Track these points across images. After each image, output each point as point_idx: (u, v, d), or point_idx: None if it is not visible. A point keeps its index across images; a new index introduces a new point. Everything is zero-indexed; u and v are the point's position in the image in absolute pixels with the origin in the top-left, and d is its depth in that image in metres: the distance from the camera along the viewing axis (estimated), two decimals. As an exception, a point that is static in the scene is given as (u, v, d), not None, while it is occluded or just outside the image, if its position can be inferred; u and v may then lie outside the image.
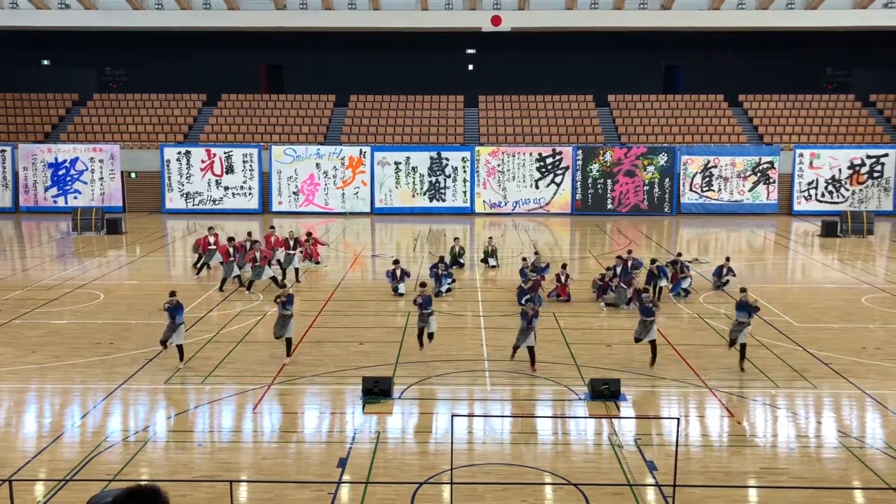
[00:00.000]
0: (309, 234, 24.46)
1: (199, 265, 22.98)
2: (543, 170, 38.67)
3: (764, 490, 10.04)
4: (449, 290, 20.53)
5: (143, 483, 3.72)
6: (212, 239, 22.92)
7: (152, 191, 38.94)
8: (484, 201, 38.75)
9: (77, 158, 38.77)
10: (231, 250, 21.36)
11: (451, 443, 9.94)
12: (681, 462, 9.88)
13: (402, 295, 20.12)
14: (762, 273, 23.70)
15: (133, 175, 39.20)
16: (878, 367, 14.70)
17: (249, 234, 23.62)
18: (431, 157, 38.58)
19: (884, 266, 25.42)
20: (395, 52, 43.64)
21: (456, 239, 25.27)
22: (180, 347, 14.49)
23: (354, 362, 14.81)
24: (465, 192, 38.65)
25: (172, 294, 14.79)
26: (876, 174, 38.42)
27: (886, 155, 38.37)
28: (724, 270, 21.33)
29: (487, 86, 44.05)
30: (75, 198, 38.62)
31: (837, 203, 38.26)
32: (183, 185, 38.64)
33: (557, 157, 38.65)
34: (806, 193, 38.78)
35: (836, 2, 38.56)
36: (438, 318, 18.26)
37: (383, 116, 42.38)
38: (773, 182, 38.56)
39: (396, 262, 21.22)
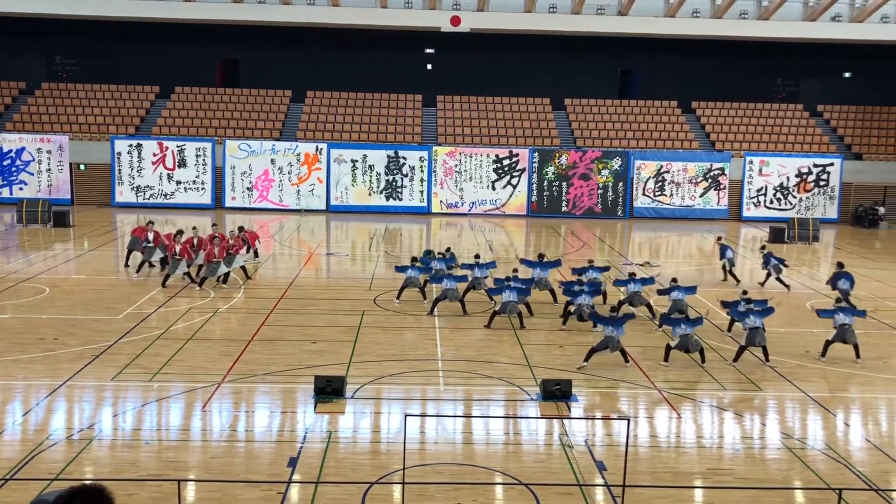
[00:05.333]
0: (240, 228, 24.13)
1: (140, 263, 22.35)
2: (500, 171, 38.87)
3: (710, 490, 10.23)
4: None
5: (87, 482, 3.64)
6: (150, 235, 22.31)
7: (102, 183, 38.13)
8: (441, 201, 38.78)
9: (24, 149, 37.75)
10: (177, 248, 20.96)
11: (404, 442, 9.93)
12: (630, 462, 10.02)
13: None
14: (711, 277, 24.15)
15: (82, 167, 38.32)
16: (821, 371, 15.10)
17: (194, 228, 23.29)
18: (389, 156, 38.49)
19: (828, 272, 26.06)
20: (354, 49, 43.43)
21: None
22: None
23: (307, 361, 14.70)
24: (422, 192, 38.64)
25: None
26: (822, 182, 39.49)
27: (832, 164, 39.47)
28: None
29: (446, 86, 44.10)
30: (21, 189, 37.60)
31: (785, 210, 39.24)
32: (134, 179, 37.91)
33: (514, 159, 38.88)
34: (755, 200, 39.68)
35: (787, 13, 39.50)
36: (395, 316, 18.24)
37: (340, 114, 42.14)
38: (724, 188, 39.36)
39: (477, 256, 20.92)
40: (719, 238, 25.17)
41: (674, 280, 18.42)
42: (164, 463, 10.44)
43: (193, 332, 16.42)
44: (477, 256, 20.89)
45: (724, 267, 23.38)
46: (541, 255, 20.79)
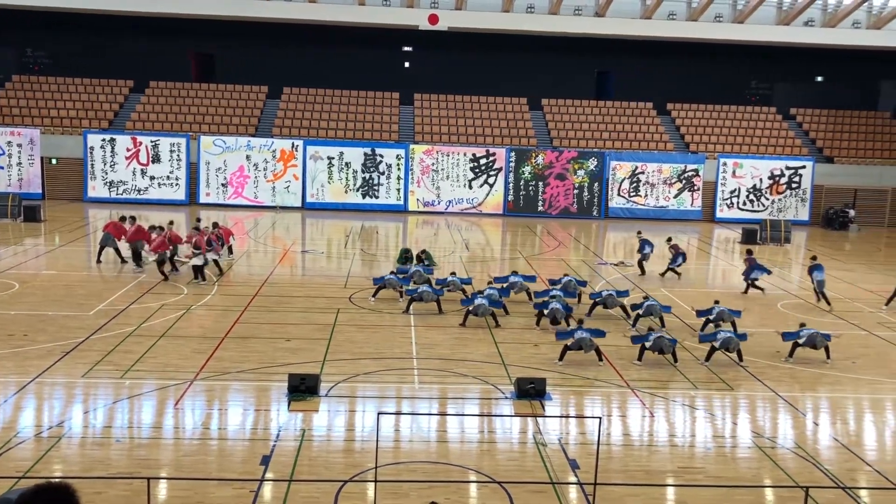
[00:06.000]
0: (214, 224, 24.13)
1: (134, 258, 22.35)
2: (477, 170, 38.90)
3: (681, 488, 10.33)
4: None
5: (53, 480, 3.59)
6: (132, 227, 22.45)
7: (74, 178, 37.63)
8: (417, 199, 38.74)
9: (-7, 142, 37.14)
10: (167, 240, 20.95)
11: (377, 441, 9.92)
12: (602, 461, 10.09)
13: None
14: (684, 277, 24.37)
15: (54, 161, 37.79)
16: (791, 371, 15.31)
17: (171, 223, 23.15)
18: (365, 154, 38.37)
19: (799, 273, 26.47)
20: (331, 46, 43.24)
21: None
22: None
23: (281, 359, 14.62)
24: (398, 190, 38.57)
25: None
26: (794, 185, 39.98)
27: (804, 167, 39.97)
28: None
29: (423, 84, 44.05)
30: (-10, 183, 37.02)
31: (757, 211, 39.67)
32: (107, 174, 37.44)
33: (491, 158, 38.94)
34: (728, 201, 40.08)
35: (762, 17, 39.94)
36: (370, 314, 18.20)
37: (317, 110, 41.94)
38: (698, 189, 39.72)
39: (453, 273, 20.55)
40: (639, 232, 26.35)
41: (645, 297, 18.49)
42: (135, 461, 10.34)
43: (166, 329, 16.26)
44: (453, 273, 20.54)
45: (640, 262, 24.63)
46: (514, 273, 20.81)
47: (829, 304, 20.59)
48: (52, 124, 39.27)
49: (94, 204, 36.63)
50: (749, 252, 23.35)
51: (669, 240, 25.39)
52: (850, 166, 41.33)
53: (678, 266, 23.93)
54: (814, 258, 22.23)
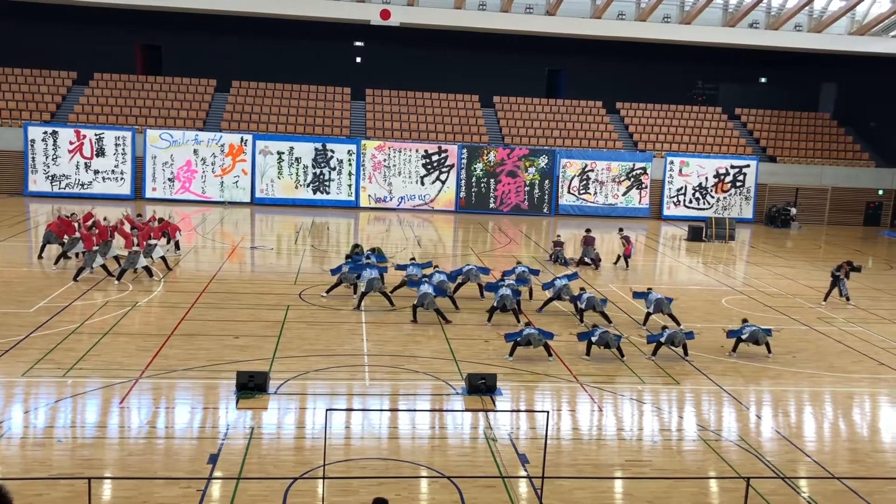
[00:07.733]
0: (160, 220, 23.77)
1: (59, 255, 21.75)
2: (429, 167, 38.90)
3: (628, 481, 10.50)
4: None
5: (-10, 481, 3.49)
6: (75, 225, 21.90)
7: (14, 172, 36.49)
8: (369, 196, 38.57)
9: (-72, 133, 35.85)
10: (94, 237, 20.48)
11: (325, 438, 9.86)
12: (551, 455, 10.20)
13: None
14: (632, 273, 24.75)
15: (-8, 154, 36.65)
16: (735, 365, 15.67)
17: (105, 219, 22.70)
18: (316, 149, 38.05)
19: (743, 270, 27.10)
20: (281, 39, 42.75)
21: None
22: None
23: (229, 356, 14.43)
24: (350, 186, 38.35)
25: None
26: (738, 183, 40.93)
27: (748, 166, 40.95)
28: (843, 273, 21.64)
29: (375, 80, 43.87)
30: (-75, 176, 35.72)
31: (703, 209, 40.52)
32: (49, 167, 36.43)
33: (443, 155, 38.98)
34: (675, 199, 40.83)
35: (708, 19, 40.69)
36: (321, 311, 18.07)
37: (266, 104, 41.41)
38: (645, 187, 40.38)
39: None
40: (558, 235, 28.39)
41: (582, 289, 18.68)
42: (78, 461, 10.10)
43: (110, 327, 15.91)
44: (413, 259, 20.55)
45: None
46: (467, 265, 20.88)
47: (615, 263, 25.41)
48: (-9, 116, 38.04)
49: (36, 198, 35.63)
50: (587, 230, 26.61)
51: (558, 236, 27.71)
52: (792, 166, 42.46)
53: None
54: (621, 229, 27.66)
